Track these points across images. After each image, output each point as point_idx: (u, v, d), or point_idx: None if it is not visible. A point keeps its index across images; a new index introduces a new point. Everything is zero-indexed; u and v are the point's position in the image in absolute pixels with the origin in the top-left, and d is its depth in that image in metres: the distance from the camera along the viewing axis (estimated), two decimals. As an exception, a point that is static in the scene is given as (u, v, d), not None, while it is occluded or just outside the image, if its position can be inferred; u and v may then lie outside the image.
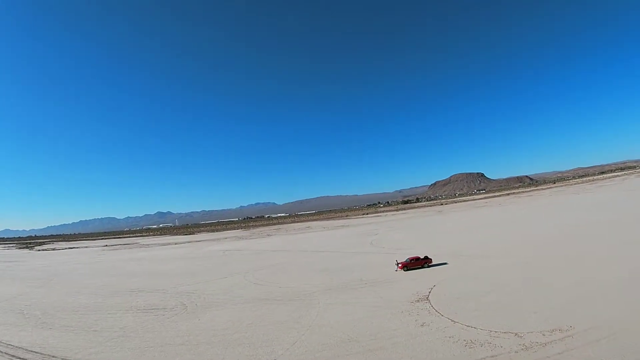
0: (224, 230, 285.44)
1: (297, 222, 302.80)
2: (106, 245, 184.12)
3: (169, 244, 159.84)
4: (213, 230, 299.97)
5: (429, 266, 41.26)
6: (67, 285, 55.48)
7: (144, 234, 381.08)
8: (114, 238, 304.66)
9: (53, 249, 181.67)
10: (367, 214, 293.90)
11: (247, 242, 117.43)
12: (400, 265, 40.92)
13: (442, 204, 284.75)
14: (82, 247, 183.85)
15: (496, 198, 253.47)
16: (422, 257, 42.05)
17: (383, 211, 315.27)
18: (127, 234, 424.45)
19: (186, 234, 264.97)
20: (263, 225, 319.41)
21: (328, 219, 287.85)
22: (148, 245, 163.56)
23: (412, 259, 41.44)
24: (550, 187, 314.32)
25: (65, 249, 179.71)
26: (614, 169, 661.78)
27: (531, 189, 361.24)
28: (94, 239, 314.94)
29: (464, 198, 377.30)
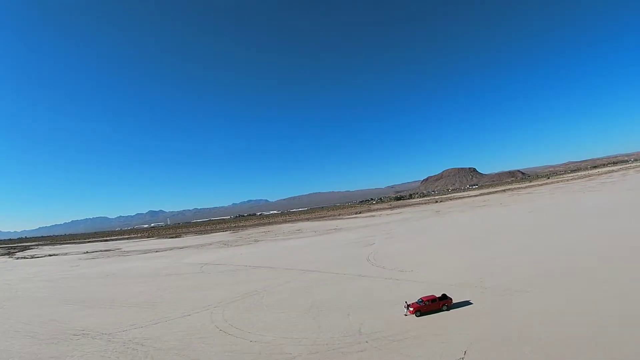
0: (212, 232, 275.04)
1: (288, 221, 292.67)
2: (87, 252, 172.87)
3: (150, 251, 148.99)
4: (201, 232, 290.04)
5: (448, 308, 31.28)
6: (14, 315, 47.21)
7: (132, 235, 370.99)
8: (101, 241, 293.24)
9: (32, 256, 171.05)
10: (360, 212, 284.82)
11: (230, 251, 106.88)
12: (411, 309, 30.92)
13: (437, 202, 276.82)
14: (62, 254, 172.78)
15: (493, 195, 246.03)
16: (438, 295, 32.09)
17: (376, 209, 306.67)
18: (116, 234, 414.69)
19: (173, 237, 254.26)
20: (253, 225, 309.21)
21: (320, 218, 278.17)
22: (128, 253, 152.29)
23: (426, 300, 31.29)
24: (546, 183, 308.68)
25: (45, 256, 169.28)
26: (605, 163, 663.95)
27: (526, 184, 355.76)
28: (81, 242, 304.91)
29: (460, 194, 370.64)
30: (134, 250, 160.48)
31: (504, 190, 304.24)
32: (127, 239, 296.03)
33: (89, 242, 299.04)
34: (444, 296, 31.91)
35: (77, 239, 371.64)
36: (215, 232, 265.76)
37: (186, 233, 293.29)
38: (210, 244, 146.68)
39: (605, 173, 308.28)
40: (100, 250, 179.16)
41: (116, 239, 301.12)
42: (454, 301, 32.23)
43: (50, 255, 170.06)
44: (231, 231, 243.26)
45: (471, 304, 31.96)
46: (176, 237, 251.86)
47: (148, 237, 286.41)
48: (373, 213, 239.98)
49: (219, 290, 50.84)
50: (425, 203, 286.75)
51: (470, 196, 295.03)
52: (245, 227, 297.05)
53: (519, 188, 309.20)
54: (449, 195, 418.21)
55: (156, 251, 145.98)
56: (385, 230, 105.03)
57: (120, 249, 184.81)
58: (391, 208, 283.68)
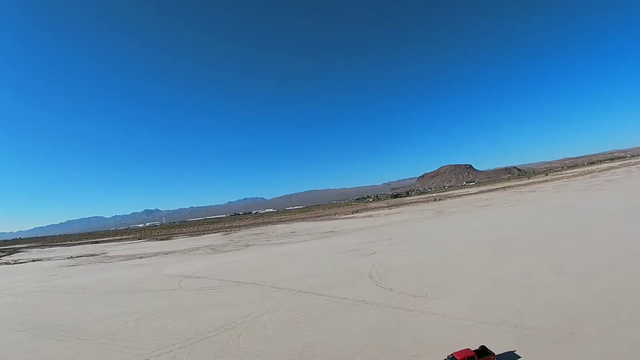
0: (204, 233, 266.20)
1: (283, 221, 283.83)
2: (70, 257, 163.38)
3: (134, 257, 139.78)
4: (193, 233, 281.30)
5: (489, 369, 22.57)
6: None
7: (124, 235, 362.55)
8: (91, 243, 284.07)
9: (15, 262, 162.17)
10: (357, 211, 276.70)
11: (217, 258, 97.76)
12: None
13: (435, 200, 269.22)
14: (45, 259, 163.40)
15: (494, 193, 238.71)
16: (475, 349, 23.40)
17: (373, 207, 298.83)
18: (109, 235, 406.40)
19: (163, 239, 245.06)
20: (247, 225, 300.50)
21: (315, 217, 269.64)
22: (111, 259, 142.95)
23: (460, 359, 22.33)
24: (547, 180, 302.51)
25: (29, 261, 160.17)
26: (602, 159, 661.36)
27: (525, 181, 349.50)
28: (71, 244, 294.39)
29: (458, 192, 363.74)
30: (118, 256, 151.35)
31: (503, 188, 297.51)
32: (118, 240, 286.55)
33: (79, 244, 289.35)
34: (484, 350, 23.04)
35: (68, 240, 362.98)
36: (208, 233, 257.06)
37: (177, 234, 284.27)
38: (198, 249, 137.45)
39: (606, 170, 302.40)
40: (85, 255, 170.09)
41: (107, 241, 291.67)
42: (496, 353, 23.58)
43: (33, 261, 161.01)
44: (223, 232, 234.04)
45: (519, 358, 23.36)
46: (166, 239, 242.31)
47: (139, 239, 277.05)
48: (370, 213, 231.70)
49: (190, 318, 41.96)
50: (423, 202, 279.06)
51: (470, 194, 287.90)
52: (238, 227, 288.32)
53: (518, 185, 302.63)
54: (446, 192, 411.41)
55: (140, 257, 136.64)
56: (386, 235, 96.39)
57: (105, 253, 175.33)
58: (389, 207, 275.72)
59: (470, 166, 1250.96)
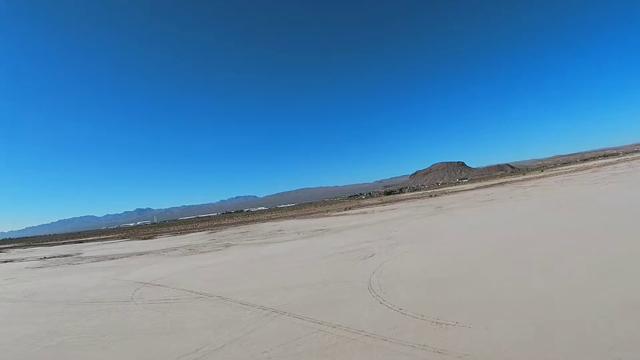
0: (189, 231, 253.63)
1: (273, 219, 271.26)
2: (43, 258, 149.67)
3: (106, 257, 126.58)
4: (178, 232, 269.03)
5: None
6: None
7: (110, 235, 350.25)
8: (76, 243, 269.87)
9: None
10: (350, 208, 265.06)
11: (190, 261, 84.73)
12: None
13: (431, 196, 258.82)
14: (17, 260, 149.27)
15: (492, 189, 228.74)
16: None
17: (367, 204, 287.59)
18: (96, 234, 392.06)
19: (146, 238, 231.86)
20: (235, 224, 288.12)
21: (306, 215, 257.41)
22: (82, 260, 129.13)
23: None
24: (545, 176, 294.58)
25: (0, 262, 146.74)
26: (595, 156, 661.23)
27: (522, 177, 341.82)
28: (55, 243, 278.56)
29: (453, 188, 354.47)
30: (90, 257, 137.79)
31: (500, 184, 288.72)
32: (102, 240, 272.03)
33: (62, 243, 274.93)
34: None
35: (55, 240, 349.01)
36: (193, 231, 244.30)
37: (162, 233, 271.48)
38: (176, 249, 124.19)
39: (605, 165, 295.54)
40: (58, 256, 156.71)
41: (91, 241, 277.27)
42: None
43: (5, 262, 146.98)
44: (209, 231, 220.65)
45: None
46: (149, 238, 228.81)
47: (123, 238, 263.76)
48: (364, 209, 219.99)
49: (119, 349, 29.37)
50: (419, 197, 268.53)
51: (466, 190, 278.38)
52: (226, 225, 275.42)
53: (516, 181, 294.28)
54: (441, 189, 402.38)
55: (111, 258, 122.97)
56: (384, 233, 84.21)
57: (81, 253, 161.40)
58: (383, 203, 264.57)
59: (463, 163, 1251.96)
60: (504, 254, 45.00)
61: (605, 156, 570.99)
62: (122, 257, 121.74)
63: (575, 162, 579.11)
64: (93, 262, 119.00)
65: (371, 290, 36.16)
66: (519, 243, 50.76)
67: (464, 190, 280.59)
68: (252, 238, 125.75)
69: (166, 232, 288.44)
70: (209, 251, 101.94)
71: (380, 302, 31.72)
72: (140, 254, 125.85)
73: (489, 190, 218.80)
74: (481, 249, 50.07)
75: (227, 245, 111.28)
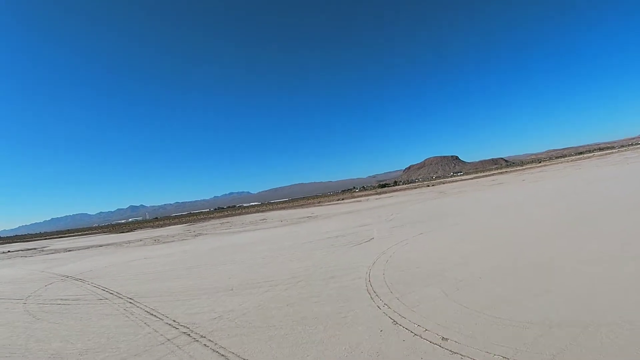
0: (169, 225, 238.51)
1: (260, 211, 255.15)
2: (7, 252, 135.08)
3: (65, 250, 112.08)
4: (159, 226, 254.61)
5: None
6: None
7: (95, 231, 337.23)
8: (57, 238, 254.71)
9: None
10: (343, 199, 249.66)
11: (142, 251, 67.92)
12: None
13: (428, 186, 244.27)
14: None
15: (495, 176, 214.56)
16: None
17: (361, 195, 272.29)
18: (84, 231, 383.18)
19: (127, 231, 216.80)
20: (222, 216, 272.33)
21: (298, 207, 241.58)
22: (39, 253, 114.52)
23: None
24: (545, 165, 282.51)
25: None
26: (589, 149, 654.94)
27: (519, 168, 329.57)
28: (33, 240, 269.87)
29: (450, 179, 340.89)
30: (51, 250, 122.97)
31: (501, 173, 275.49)
32: (84, 235, 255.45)
33: (44, 239, 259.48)
34: None
35: (40, 238, 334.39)
36: (173, 225, 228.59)
37: (145, 227, 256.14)
38: (140, 240, 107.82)
39: (608, 154, 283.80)
40: (22, 250, 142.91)
41: (73, 236, 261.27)
42: None
43: None
44: (189, 224, 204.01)
45: None
46: (129, 231, 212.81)
47: (104, 233, 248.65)
48: (359, 199, 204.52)
49: None
50: (416, 187, 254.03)
51: (465, 180, 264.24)
52: (211, 218, 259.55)
53: (516, 170, 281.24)
54: (437, 181, 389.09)
55: (68, 250, 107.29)
56: (384, 217, 68.69)
57: (46, 247, 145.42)
58: (378, 194, 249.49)
59: (457, 157, 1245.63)
60: (567, 235, 29.49)
61: (600, 149, 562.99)
62: (79, 249, 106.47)
63: (570, 155, 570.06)
64: (47, 254, 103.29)
65: (372, 294, 20.19)
66: (579, 217, 35.48)
67: (462, 180, 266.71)
68: (229, 227, 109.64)
69: (150, 226, 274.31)
70: (173, 241, 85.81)
71: (394, 322, 15.75)
72: (101, 245, 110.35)
73: (491, 178, 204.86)
74: (524, 229, 34.58)
75: (197, 235, 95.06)
